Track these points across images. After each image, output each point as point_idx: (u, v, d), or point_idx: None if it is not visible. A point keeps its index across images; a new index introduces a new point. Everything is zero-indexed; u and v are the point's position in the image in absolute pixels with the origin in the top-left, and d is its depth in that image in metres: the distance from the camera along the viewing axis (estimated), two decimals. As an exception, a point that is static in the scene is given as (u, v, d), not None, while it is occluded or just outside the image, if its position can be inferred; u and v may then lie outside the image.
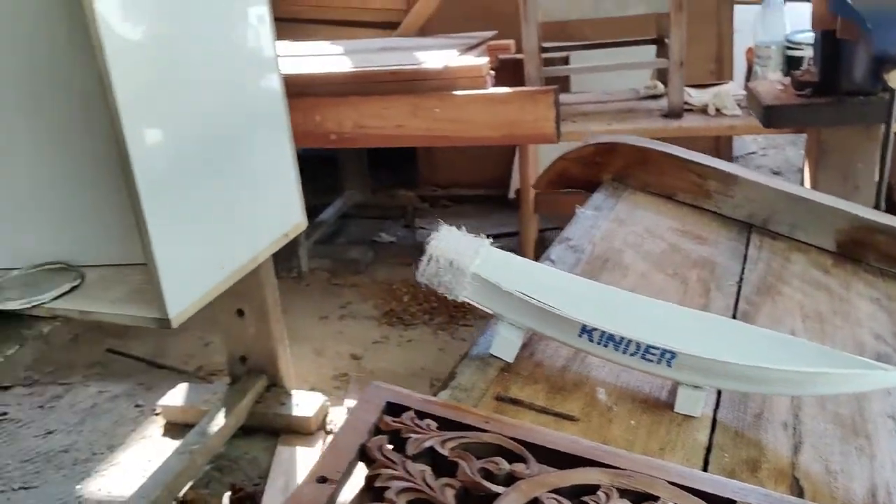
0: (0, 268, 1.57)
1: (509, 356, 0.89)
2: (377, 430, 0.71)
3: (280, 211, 1.74)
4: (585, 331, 0.85)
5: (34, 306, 1.42)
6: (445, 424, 0.72)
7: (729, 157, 3.36)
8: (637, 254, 1.23)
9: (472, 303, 0.89)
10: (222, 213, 1.54)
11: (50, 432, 2.15)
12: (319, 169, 2.75)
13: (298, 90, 2.30)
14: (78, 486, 1.93)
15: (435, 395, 0.82)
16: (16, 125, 1.53)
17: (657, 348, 0.84)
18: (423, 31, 3.18)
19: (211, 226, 1.50)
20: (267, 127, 1.73)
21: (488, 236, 0.95)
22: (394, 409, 0.74)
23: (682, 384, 0.86)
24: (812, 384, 0.85)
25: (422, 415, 0.73)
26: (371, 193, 3.52)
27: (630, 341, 0.84)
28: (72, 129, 1.52)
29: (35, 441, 2.11)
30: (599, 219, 1.33)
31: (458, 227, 0.96)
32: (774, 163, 3.76)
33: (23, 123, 1.54)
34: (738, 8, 3.24)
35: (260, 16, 1.69)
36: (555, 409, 0.83)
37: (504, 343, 0.89)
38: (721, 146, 3.27)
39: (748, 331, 0.92)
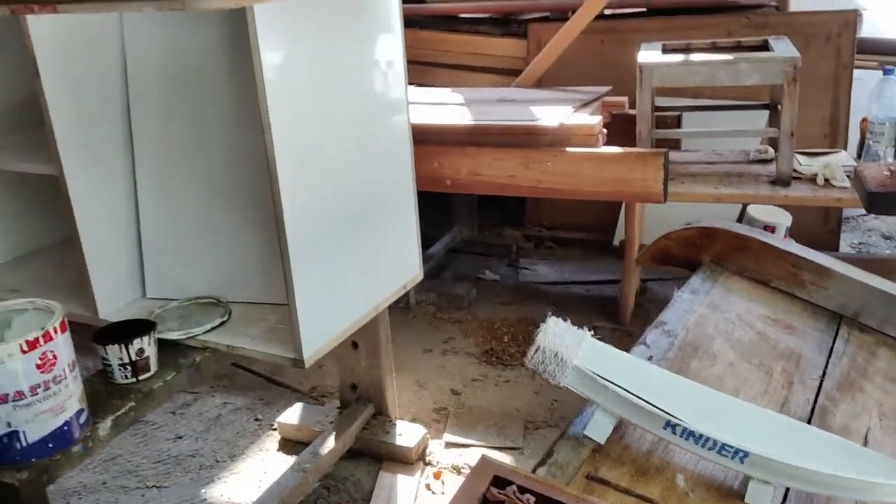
0: (161, 297, 1.82)
1: (601, 438, 1.03)
2: (485, 500, 0.87)
3: (401, 262, 1.92)
4: (669, 425, 0.98)
5: (189, 337, 1.64)
6: (543, 500, 0.87)
7: (838, 219, 3.35)
8: (727, 342, 1.34)
9: (572, 389, 1.03)
10: (354, 263, 1.73)
11: (179, 437, 2.40)
12: (431, 203, 2.93)
13: (420, 137, 2.47)
14: (202, 490, 2.16)
15: (534, 470, 0.96)
16: (186, 176, 1.78)
17: (732, 447, 0.96)
18: (541, 81, 3.32)
19: (344, 275, 1.69)
20: (396, 178, 1.91)
21: (591, 329, 1.09)
22: (500, 482, 0.89)
23: (753, 479, 0.97)
24: (878, 492, 0.95)
25: (523, 489, 0.88)
26: (478, 230, 3.69)
27: (708, 438, 0.96)
28: (231, 183, 1.76)
29: (167, 444, 2.36)
30: (695, 303, 1.44)
31: (564, 319, 1.10)
32: (887, 227, 3.71)
33: (190, 174, 1.78)
34: (859, 72, 3.25)
35: (395, 66, 1.86)
36: (637, 492, 0.96)
37: (597, 427, 1.03)
38: (831, 206, 3.27)
39: (819, 436, 1.02)
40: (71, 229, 1.70)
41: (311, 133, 1.55)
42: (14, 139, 2.01)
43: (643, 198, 2.60)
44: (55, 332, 1.30)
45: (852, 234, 3.67)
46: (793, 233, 3.17)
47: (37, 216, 2.22)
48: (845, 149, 3.10)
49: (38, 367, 1.27)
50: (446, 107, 2.99)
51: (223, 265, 1.80)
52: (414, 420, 2.38)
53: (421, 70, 3.68)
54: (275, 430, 2.39)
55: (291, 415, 2.37)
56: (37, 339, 1.27)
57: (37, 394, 1.28)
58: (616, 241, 3.44)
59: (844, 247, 3.44)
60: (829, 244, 3.29)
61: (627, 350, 1.27)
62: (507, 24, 3.68)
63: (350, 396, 2.32)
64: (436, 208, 3.19)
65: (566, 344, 1.03)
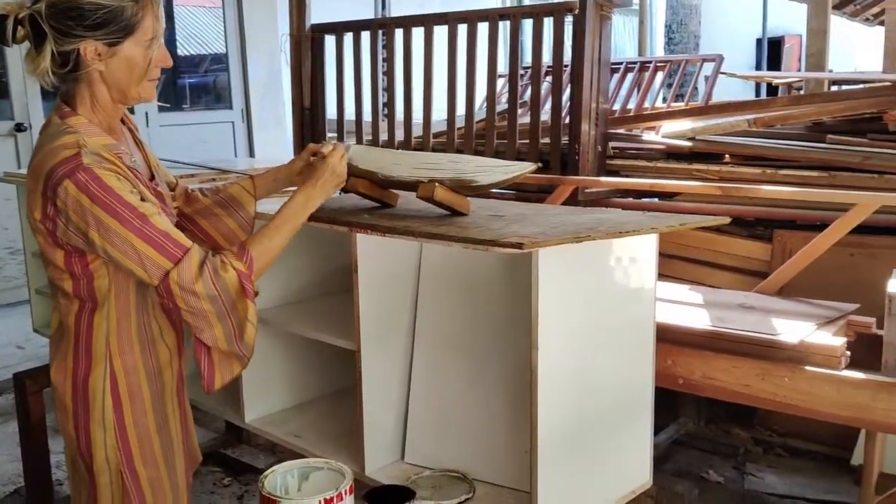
0: (416, 464, 2.09)
1: None
2: None
3: (633, 466, 2.06)
4: None
5: (439, 509, 1.88)
6: None
7: None
8: None
9: None
10: (591, 463, 1.89)
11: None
12: (658, 390, 2.99)
13: (657, 335, 2.62)
14: None
15: None
16: (454, 363, 2.07)
17: None
18: (783, 289, 3.36)
19: (581, 475, 1.86)
20: (638, 382, 2.07)
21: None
22: None
23: None
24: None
25: None
26: (704, 424, 3.68)
27: None
28: (493, 376, 2.02)
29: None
30: (933, 570, 1.44)
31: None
32: None
33: (458, 362, 2.07)
34: None
35: (647, 289, 2.07)
36: None
37: None
38: None
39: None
40: (357, 398, 2.03)
41: (570, 350, 1.78)
42: (319, 310, 2.44)
43: (886, 429, 2.54)
44: (345, 493, 1.58)
45: None
46: None
47: (317, 369, 2.62)
48: None
49: (329, 522, 1.55)
50: (685, 306, 3.12)
51: (474, 445, 2.04)
52: None
53: (662, 261, 3.84)
54: None
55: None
56: (332, 499, 1.55)
57: (323, 545, 1.55)
58: (854, 461, 3.29)
59: None
60: None
61: None
62: (751, 226, 3.79)
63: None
64: (661, 396, 3.25)
65: None
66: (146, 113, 6.44)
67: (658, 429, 3.49)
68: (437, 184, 1.71)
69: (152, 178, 1.69)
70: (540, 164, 2.03)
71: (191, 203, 1.85)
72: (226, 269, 1.53)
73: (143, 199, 1.51)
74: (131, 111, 1.79)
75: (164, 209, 1.62)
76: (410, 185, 1.76)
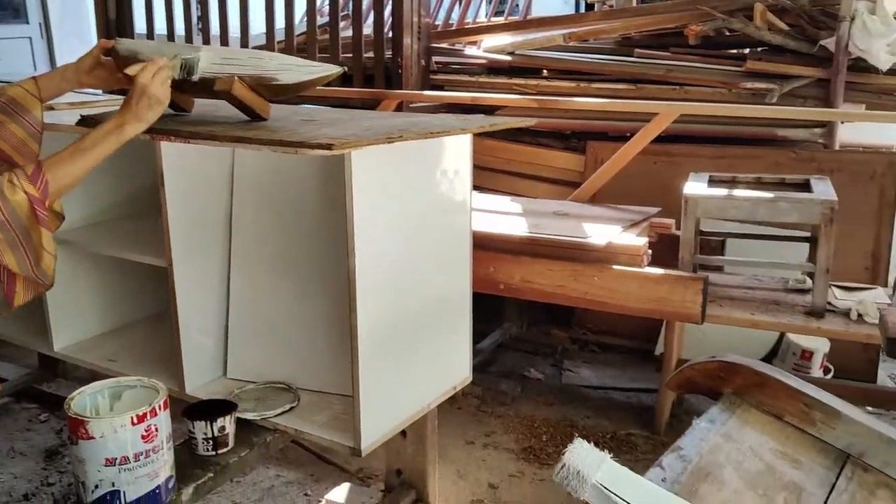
0: (240, 378, 2.06)
1: (613, 548, 1.21)
2: None
3: (454, 364, 2.14)
4: (670, 543, 1.15)
5: (264, 419, 1.87)
6: None
7: (877, 349, 3.44)
8: (735, 471, 1.50)
9: (590, 504, 1.22)
10: (412, 363, 1.95)
11: (236, 503, 2.61)
12: (483, 299, 3.10)
13: (478, 243, 2.69)
14: (254, 556, 2.35)
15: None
16: (272, 275, 2.04)
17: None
18: (596, 196, 3.55)
19: (403, 374, 1.91)
20: (456, 286, 2.14)
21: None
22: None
23: None
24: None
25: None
26: (526, 328, 3.89)
27: (702, 559, 1.13)
28: (312, 285, 2.01)
29: (224, 509, 2.57)
30: (711, 432, 1.61)
31: (589, 441, 1.29)
32: (927, 359, 3.77)
33: (277, 274, 2.04)
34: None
35: (463, 195, 2.11)
36: None
37: (609, 538, 1.20)
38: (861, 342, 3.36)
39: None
40: (172, 315, 1.97)
41: (388, 255, 1.80)
42: (128, 229, 2.32)
43: (682, 318, 2.78)
44: (160, 408, 1.54)
45: (893, 364, 3.75)
46: (831, 360, 3.30)
47: (131, 293, 2.51)
48: (886, 284, 3.23)
49: (143, 437, 1.51)
50: (505, 216, 3.24)
51: (297, 355, 2.04)
52: (452, 509, 2.54)
53: (485, 175, 3.95)
54: (322, 506, 2.58)
55: (339, 494, 2.56)
56: (145, 414, 1.51)
57: (139, 460, 1.52)
58: (657, 352, 3.59)
59: (883, 377, 3.52)
60: (867, 373, 3.38)
61: (648, 467, 1.45)
62: (567, 138, 3.95)
63: (394, 481, 2.50)
64: (487, 304, 3.38)
65: (587, 464, 1.22)
66: (-77, 26, 5.74)
67: (484, 335, 3.65)
68: (236, 78, 1.63)
69: None
70: (346, 68, 2.00)
71: None
72: (14, 191, 1.41)
73: None
74: None
75: None
76: (208, 84, 1.66)
